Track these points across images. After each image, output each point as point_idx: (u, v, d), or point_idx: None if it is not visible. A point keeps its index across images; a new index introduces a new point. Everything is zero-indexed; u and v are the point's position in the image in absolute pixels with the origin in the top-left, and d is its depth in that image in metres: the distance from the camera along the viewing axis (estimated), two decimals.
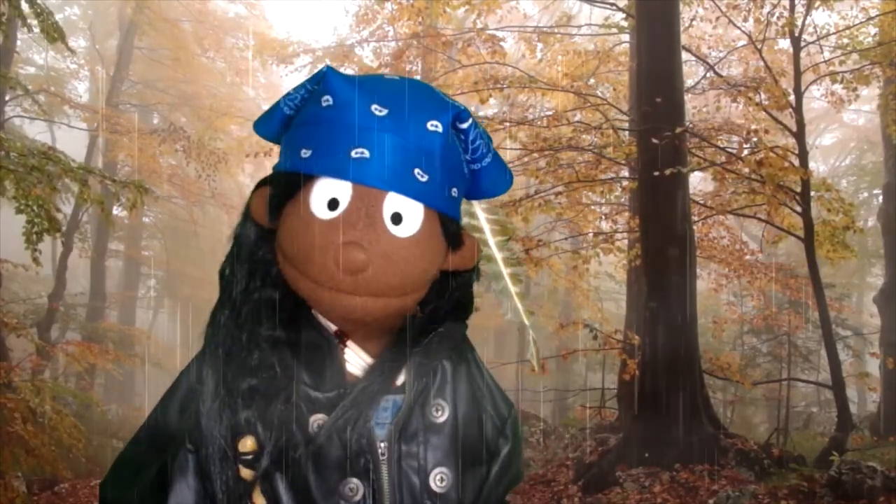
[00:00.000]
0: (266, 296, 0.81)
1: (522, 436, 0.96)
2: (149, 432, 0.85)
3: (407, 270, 0.78)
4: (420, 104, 0.78)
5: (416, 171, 0.77)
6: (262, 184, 0.83)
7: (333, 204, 0.75)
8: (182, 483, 0.76)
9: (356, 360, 0.83)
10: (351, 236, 0.75)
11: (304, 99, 0.81)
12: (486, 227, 0.92)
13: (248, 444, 0.76)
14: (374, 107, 0.76)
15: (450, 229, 0.83)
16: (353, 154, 0.74)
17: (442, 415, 0.84)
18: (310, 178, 0.77)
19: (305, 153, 0.76)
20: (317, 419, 0.78)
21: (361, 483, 0.78)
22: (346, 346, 0.83)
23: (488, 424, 0.90)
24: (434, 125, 0.78)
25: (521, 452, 0.95)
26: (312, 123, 0.78)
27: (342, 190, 0.75)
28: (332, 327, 0.83)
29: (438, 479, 0.82)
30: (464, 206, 0.90)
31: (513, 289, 0.92)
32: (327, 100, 0.77)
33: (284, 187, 0.79)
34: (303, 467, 0.76)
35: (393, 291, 0.78)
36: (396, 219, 0.77)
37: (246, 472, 0.77)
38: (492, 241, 0.92)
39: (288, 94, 0.83)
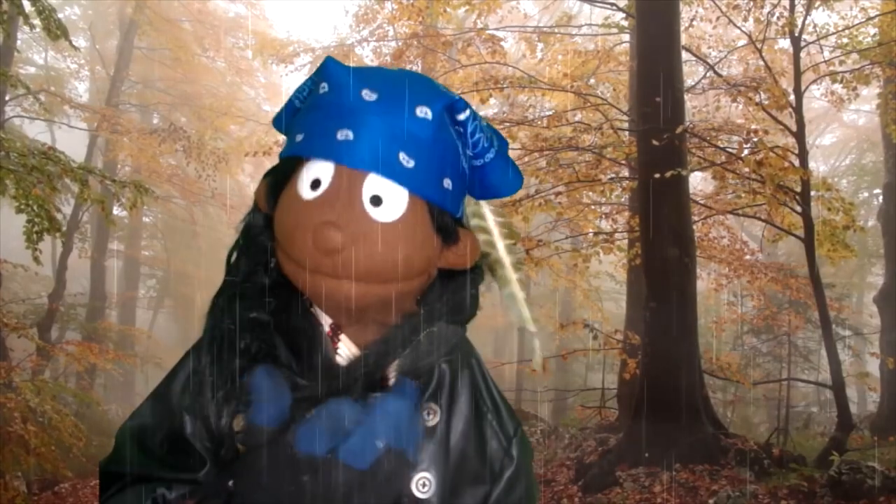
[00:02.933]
0: (261, 281, 0.83)
1: (530, 456, 0.91)
2: (152, 407, 0.88)
3: (387, 255, 0.76)
4: (412, 91, 0.78)
5: (402, 155, 0.76)
6: (268, 173, 0.86)
7: (316, 184, 0.76)
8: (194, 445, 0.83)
9: (346, 352, 0.83)
10: (328, 216, 0.75)
11: (310, 91, 0.84)
12: (495, 230, 0.91)
13: (240, 422, 0.80)
14: (364, 91, 0.77)
15: (442, 221, 0.81)
16: (338, 136, 0.75)
17: (433, 419, 0.82)
18: (302, 162, 0.79)
19: (299, 137, 0.79)
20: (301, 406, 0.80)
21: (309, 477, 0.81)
22: (338, 338, 0.83)
23: (493, 442, 0.87)
24: (423, 111, 0.77)
25: (529, 475, 0.89)
26: (309, 109, 0.81)
27: (325, 171, 0.76)
28: (328, 319, 0.84)
29: (420, 485, 0.80)
30: (472, 206, 0.89)
31: (520, 294, 0.91)
32: (324, 86, 0.80)
33: (282, 173, 0.82)
34: (286, 448, 0.78)
35: (374, 277, 0.77)
36: (376, 201, 0.76)
37: (239, 448, 0.81)
38: (500, 244, 0.91)
39: (298, 87, 0.86)
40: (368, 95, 0.76)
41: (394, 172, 0.76)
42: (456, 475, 0.83)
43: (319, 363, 0.80)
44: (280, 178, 0.82)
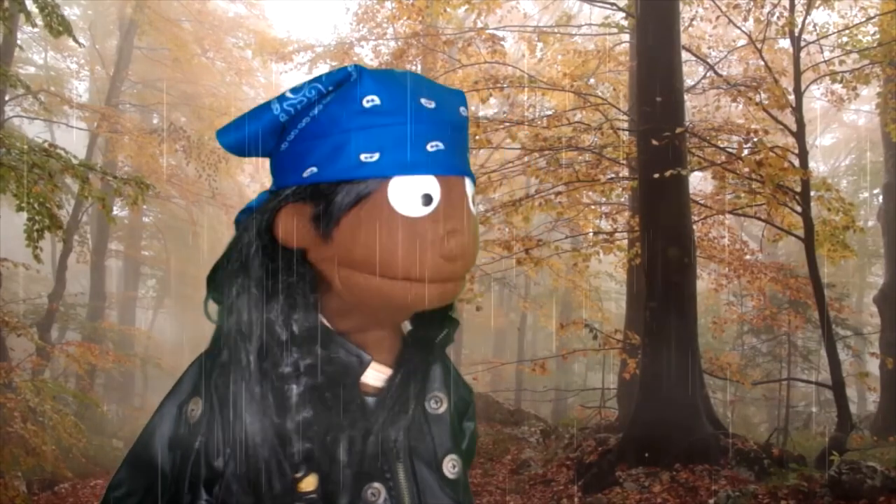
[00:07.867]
0: (309, 324, 0.78)
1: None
2: (134, 476, 0.79)
3: (477, 246, 0.82)
4: (446, 92, 0.81)
5: (466, 154, 0.82)
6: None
7: (428, 199, 0.75)
8: None
9: (374, 373, 0.82)
10: (453, 225, 0.76)
11: (310, 103, 0.77)
12: None
13: (310, 483, 0.75)
14: (422, 100, 0.77)
15: None
16: (429, 148, 0.75)
17: (441, 406, 0.86)
18: (373, 181, 0.75)
19: (369, 157, 0.74)
20: (350, 435, 0.77)
21: (382, 485, 0.78)
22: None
23: (460, 408, 0.93)
24: (463, 111, 0.81)
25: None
26: (365, 127, 0.75)
27: (430, 185, 0.75)
28: (355, 348, 0.81)
29: (451, 467, 0.84)
30: None
31: None
32: (372, 100, 0.75)
33: (340, 198, 0.75)
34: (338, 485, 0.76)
35: (468, 271, 0.81)
36: (472, 200, 0.81)
37: None
38: None
39: (284, 98, 0.78)
40: (428, 103, 0.77)
41: (469, 171, 0.80)
42: (465, 454, 0.89)
43: (352, 390, 0.80)
44: (339, 205, 0.75)
